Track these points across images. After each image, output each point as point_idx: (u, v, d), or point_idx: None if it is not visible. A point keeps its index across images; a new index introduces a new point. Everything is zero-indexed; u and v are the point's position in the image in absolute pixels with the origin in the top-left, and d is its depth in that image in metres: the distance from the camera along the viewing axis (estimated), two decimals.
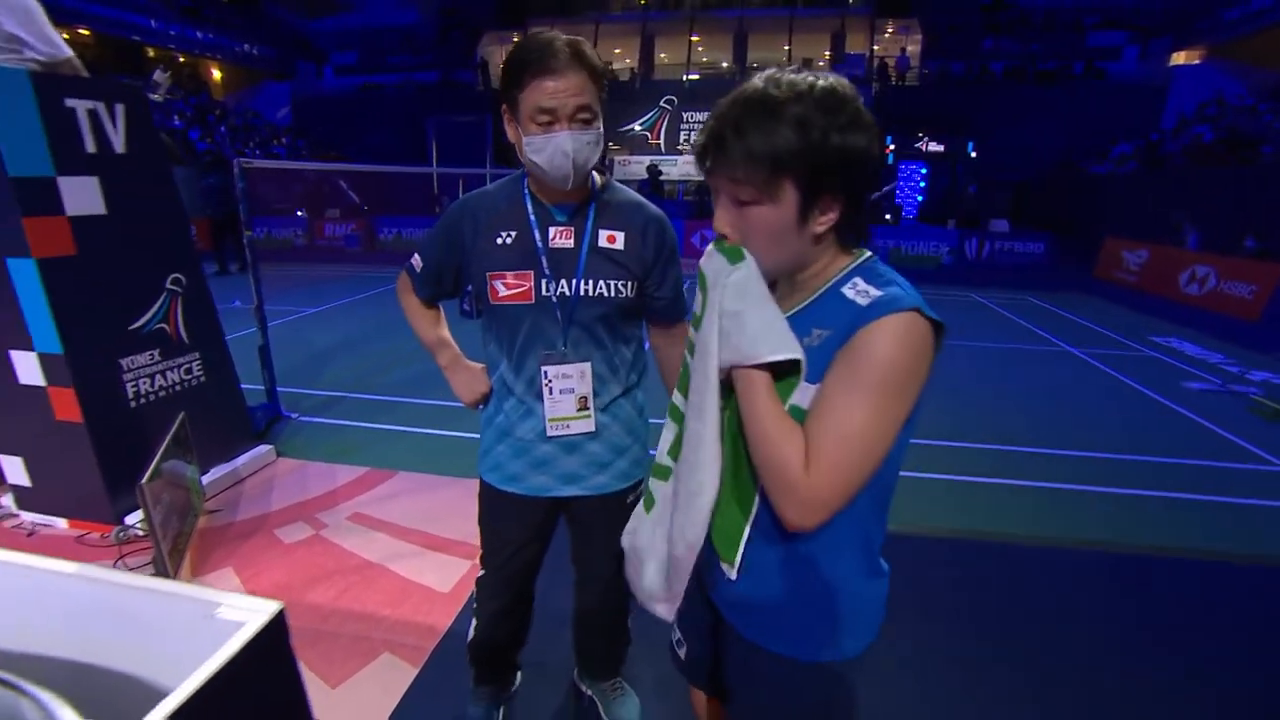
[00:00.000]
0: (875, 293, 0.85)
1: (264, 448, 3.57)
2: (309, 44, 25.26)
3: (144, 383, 2.98)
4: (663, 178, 13.96)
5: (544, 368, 1.41)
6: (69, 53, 2.57)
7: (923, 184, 16.34)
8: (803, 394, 0.86)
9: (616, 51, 23.12)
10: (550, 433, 1.44)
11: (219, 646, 0.71)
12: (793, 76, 0.85)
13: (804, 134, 0.80)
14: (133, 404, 2.92)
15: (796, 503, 0.81)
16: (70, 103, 2.52)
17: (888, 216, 14.08)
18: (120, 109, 2.70)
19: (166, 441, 2.69)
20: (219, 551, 2.76)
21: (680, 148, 20.78)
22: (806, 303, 0.92)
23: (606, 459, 1.50)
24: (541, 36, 1.24)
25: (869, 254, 0.93)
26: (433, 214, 15.40)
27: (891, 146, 17.11)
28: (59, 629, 0.84)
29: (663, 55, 22.53)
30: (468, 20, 23.03)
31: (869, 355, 0.81)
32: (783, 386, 0.87)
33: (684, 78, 21.45)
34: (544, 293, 1.37)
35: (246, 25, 23.77)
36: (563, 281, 1.37)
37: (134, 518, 2.87)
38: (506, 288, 1.38)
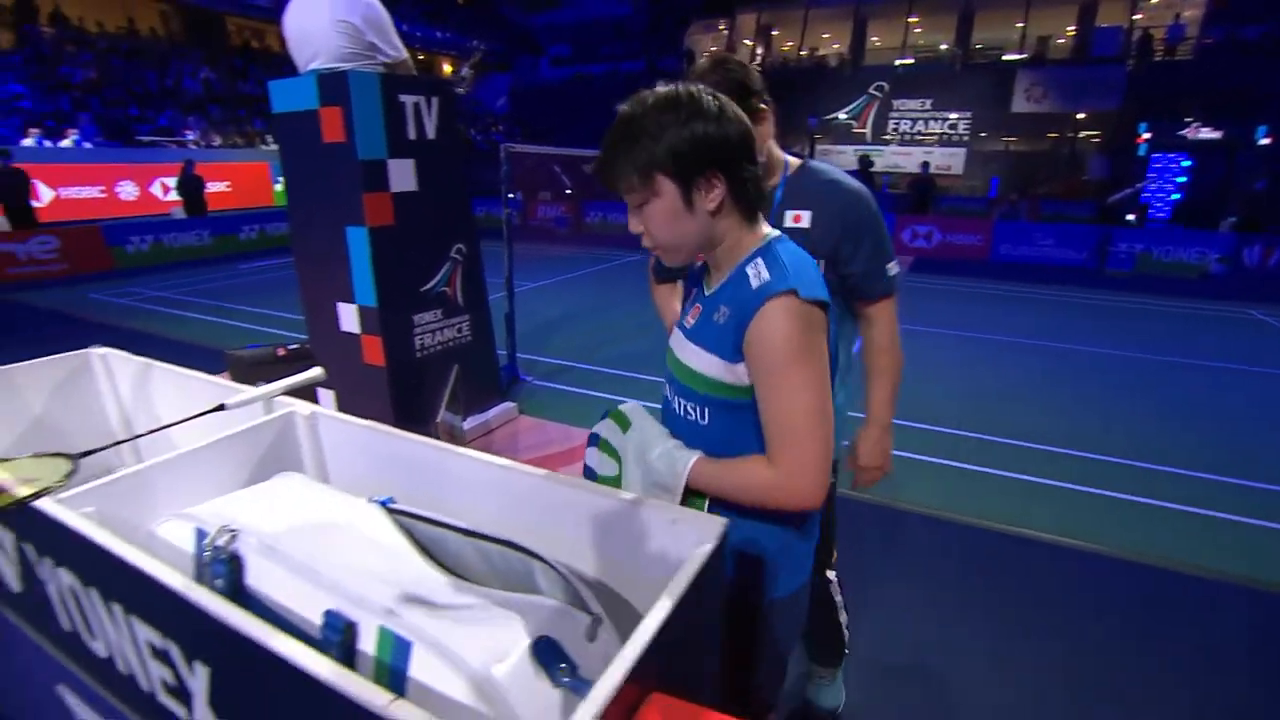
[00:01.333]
0: (766, 275, 0.97)
1: (509, 404, 4.00)
2: (529, 37, 27.32)
3: (427, 337, 3.47)
4: (873, 169, 13.32)
5: None
6: (405, 55, 3.05)
7: (1182, 179, 13.97)
8: (717, 366, 1.02)
9: (824, 36, 22.33)
10: None
11: (686, 549, 0.87)
12: (644, 93, 0.99)
13: (654, 137, 0.95)
14: (419, 355, 3.42)
15: (788, 495, 0.98)
16: (403, 98, 3.00)
17: (1130, 217, 12.30)
18: (435, 101, 3.16)
19: (448, 390, 3.12)
20: None
21: (886, 137, 19.66)
22: (723, 282, 1.05)
23: None
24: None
25: (775, 234, 1.05)
26: None
27: (1145, 136, 14.83)
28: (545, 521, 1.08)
29: (875, 39, 21.37)
30: (677, 10, 23.49)
31: (768, 345, 0.95)
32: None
33: (896, 63, 20.19)
34: None
35: (477, 23, 26.25)
36: None
37: None
38: None
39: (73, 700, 1.21)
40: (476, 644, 0.77)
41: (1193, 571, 2.74)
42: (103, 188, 11.89)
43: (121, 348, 1.81)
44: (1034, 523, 3.08)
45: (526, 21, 27.07)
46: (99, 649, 1.03)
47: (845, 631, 1.88)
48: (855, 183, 1.47)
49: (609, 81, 22.79)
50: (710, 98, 0.98)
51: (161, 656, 0.89)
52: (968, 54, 19.58)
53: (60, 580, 1.02)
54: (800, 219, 1.46)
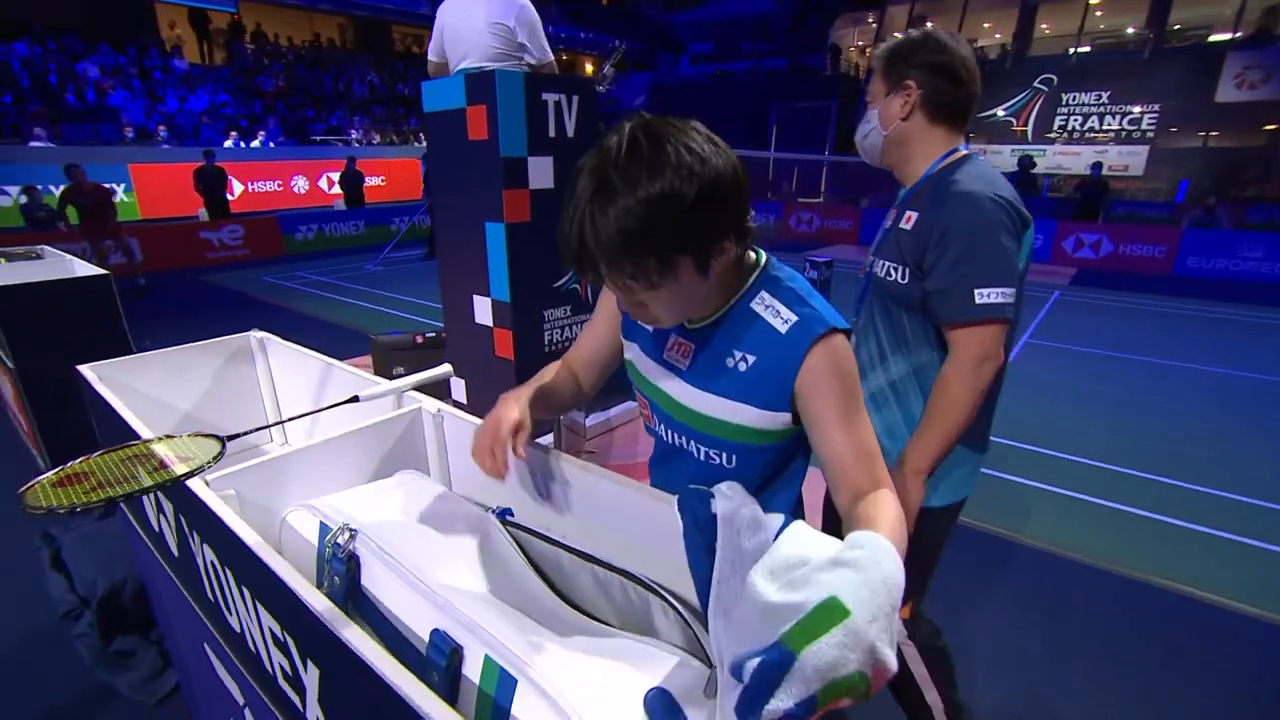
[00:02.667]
0: (789, 315, 0.90)
1: (631, 404, 3.99)
2: (670, 35, 27.52)
3: (556, 333, 3.52)
4: (1033, 170, 12.13)
5: None
6: (551, 57, 3.11)
7: None
8: (753, 417, 0.92)
9: (986, 26, 20.68)
10: None
11: None
12: (620, 148, 0.76)
13: (668, 214, 0.76)
14: (547, 350, 3.48)
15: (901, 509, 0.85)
16: (545, 96, 3.04)
17: None
18: (575, 100, 3.18)
19: None
20: None
21: (1050, 135, 17.89)
22: (716, 316, 0.94)
23: None
24: None
25: (765, 260, 0.95)
26: (765, 199, 15.73)
27: None
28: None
29: (1045, 26, 19.47)
30: (823, 4, 22.73)
31: (835, 387, 0.88)
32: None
33: (1071, 51, 18.28)
34: (868, 269, 1.50)
35: (619, 22, 26.80)
36: (873, 259, 1.46)
37: (545, 440, 3.44)
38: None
39: (214, 661, 1.28)
40: (585, 690, 0.71)
41: None
42: (280, 182, 13.33)
43: (284, 327, 1.95)
44: (1189, 576, 2.63)
45: (667, 19, 27.29)
46: (234, 624, 1.07)
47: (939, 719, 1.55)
48: (976, 188, 1.26)
49: (749, 78, 22.46)
50: (704, 140, 0.81)
51: (281, 647, 0.90)
52: (1162, 36, 17.29)
53: (205, 555, 1.07)
54: (910, 220, 1.36)
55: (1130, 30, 18.18)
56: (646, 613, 0.85)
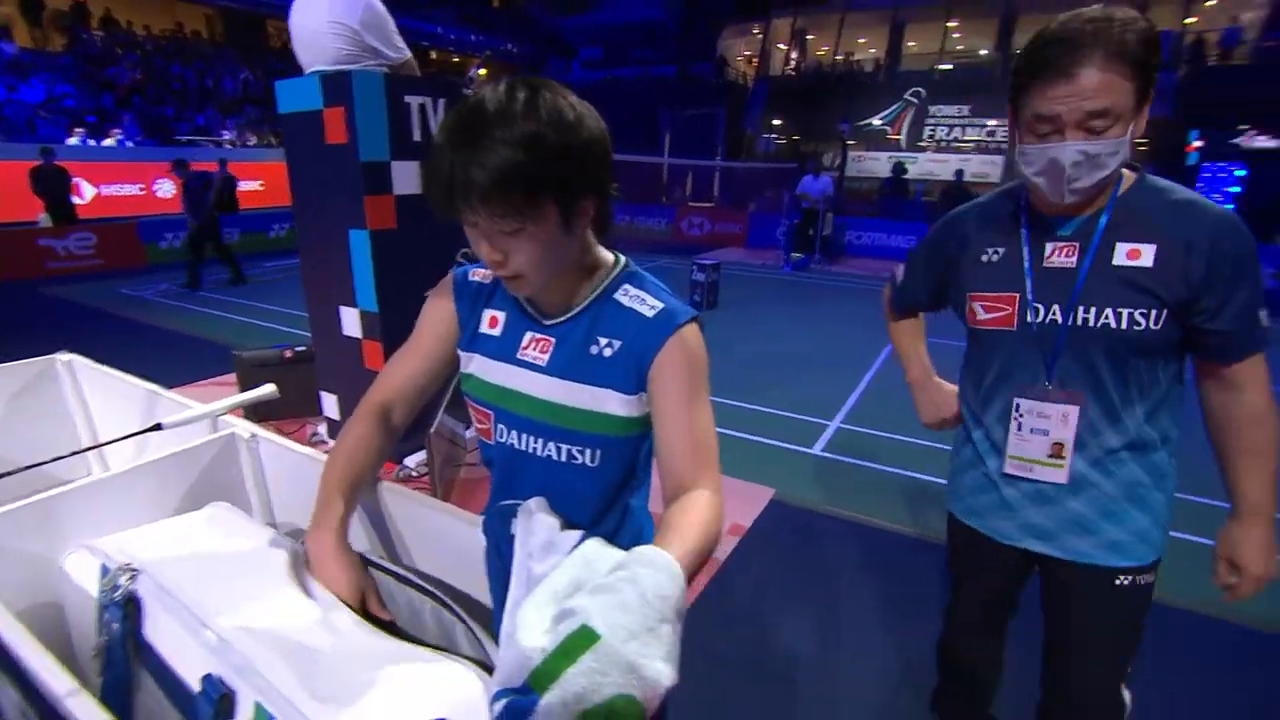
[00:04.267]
0: (654, 303, 0.92)
1: None
2: (560, 40, 27.46)
3: None
4: (905, 176, 13.03)
5: (1017, 399, 1.24)
6: (409, 54, 2.99)
7: (1235, 190, 13.36)
8: (619, 402, 0.92)
9: (860, 41, 22.02)
10: (1007, 469, 1.28)
11: None
12: (505, 94, 0.79)
13: (539, 151, 0.77)
14: None
15: (722, 509, 0.87)
16: (408, 99, 2.93)
17: None
18: (442, 103, 3.09)
19: (447, 398, 3.04)
20: (474, 501, 3.07)
21: (921, 144, 19.26)
22: (582, 307, 0.94)
23: (1090, 522, 1.23)
24: (1066, 24, 1.02)
25: (624, 259, 0.98)
26: (659, 203, 15.98)
27: (1197, 144, 14.24)
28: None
29: (912, 43, 20.98)
30: (710, 13, 23.38)
31: (686, 370, 0.90)
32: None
33: (935, 67, 19.79)
34: (1028, 319, 1.19)
35: (509, 25, 26.48)
36: (1055, 307, 1.17)
37: (413, 460, 3.30)
38: (985, 310, 1.25)
39: None
40: None
41: None
42: (141, 186, 12.17)
43: (142, 344, 1.76)
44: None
45: (558, 24, 27.21)
46: None
47: None
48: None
49: (639, 85, 22.75)
50: (577, 101, 0.84)
51: None
52: (1009, 59, 19.05)
53: None
54: (1138, 255, 1.12)
55: (984, 51, 19.94)
56: (451, 635, 0.82)
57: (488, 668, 0.78)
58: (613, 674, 0.55)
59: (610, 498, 0.99)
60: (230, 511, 1.08)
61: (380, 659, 0.77)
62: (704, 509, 0.83)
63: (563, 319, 0.95)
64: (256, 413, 3.43)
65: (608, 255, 0.97)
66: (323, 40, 2.80)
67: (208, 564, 0.93)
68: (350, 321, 3.22)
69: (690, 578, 0.70)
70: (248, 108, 16.52)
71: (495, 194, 0.77)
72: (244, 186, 11.99)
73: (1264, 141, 13.67)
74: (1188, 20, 17.20)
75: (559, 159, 0.79)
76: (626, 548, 0.75)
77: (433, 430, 2.69)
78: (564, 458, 0.95)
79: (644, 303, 0.92)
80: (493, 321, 1.00)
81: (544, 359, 0.95)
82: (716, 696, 2.04)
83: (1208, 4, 17.45)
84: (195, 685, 0.76)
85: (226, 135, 14.70)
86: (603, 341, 0.92)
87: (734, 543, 2.85)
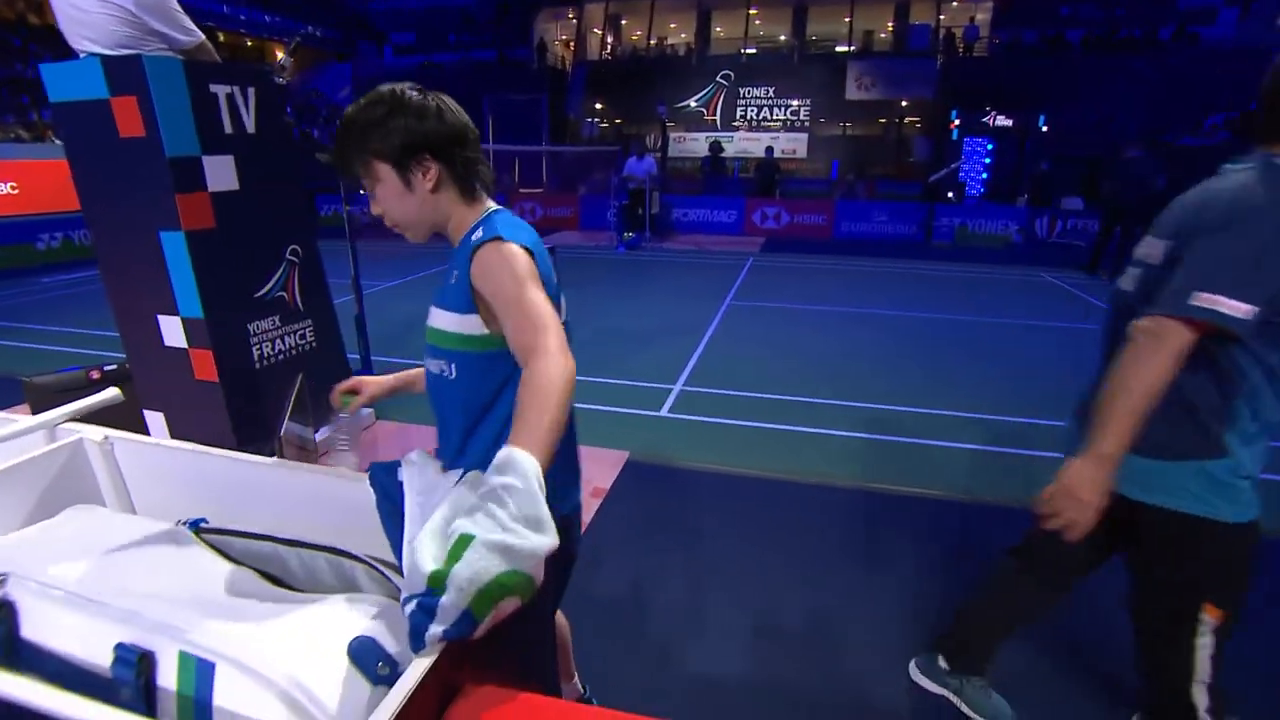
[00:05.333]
0: (478, 235, 1.11)
1: (366, 410, 3.81)
2: (369, 24, 25.76)
3: (267, 346, 3.22)
4: (722, 154, 13.89)
5: None
6: (201, 36, 2.77)
7: (988, 160, 15.77)
8: (454, 321, 1.13)
9: (672, 26, 22.87)
10: None
11: None
12: (365, 96, 1.14)
13: (363, 135, 1.11)
14: (258, 365, 3.18)
15: (561, 369, 0.95)
16: (214, 88, 2.74)
17: (950, 195, 13.70)
18: (252, 92, 2.92)
19: (292, 401, 2.93)
20: None
21: (735, 124, 20.51)
22: (454, 252, 1.18)
23: None
24: None
25: (495, 208, 1.21)
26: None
27: (956, 122, 16.56)
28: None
29: (719, 29, 22.17)
30: None
31: (492, 277, 1.06)
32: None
33: (741, 51, 21.11)
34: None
35: (310, 7, 24.39)
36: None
37: None
38: None
39: None
40: (289, 654, 0.75)
41: (1007, 503, 3.14)
42: None
43: None
44: (873, 475, 3.39)
45: (363, 7, 25.49)
46: None
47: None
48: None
49: (459, 70, 22.02)
50: (418, 95, 1.12)
51: None
52: (804, 45, 20.84)
53: None
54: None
55: (782, 38, 21.60)
56: (353, 579, 0.91)
57: (397, 598, 0.89)
58: (492, 558, 0.71)
59: (476, 413, 1.16)
60: (93, 509, 1.07)
61: (294, 602, 0.85)
62: (537, 378, 0.93)
63: (449, 264, 1.17)
64: None
65: (483, 208, 1.19)
66: (94, 21, 2.52)
67: (86, 554, 0.93)
68: (172, 331, 2.98)
69: (549, 444, 0.86)
70: None
71: (353, 158, 1.13)
72: None
73: (1002, 121, 16.19)
74: (941, 16, 19.79)
75: (378, 125, 1.09)
76: None
77: (281, 434, 2.60)
78: (436, 371, 1.19)
79: (476, 236, 1.12)
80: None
81: (436, 297, 1.20)
82: (597, 650, 2.23)
83: (954, 3, 20.20)
84: (105, 660, 0.78)
85: None
86: (454, 273, 1.14)
87: (596, 504, 3.04)
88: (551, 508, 1.03)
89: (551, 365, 0.95)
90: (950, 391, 4.56)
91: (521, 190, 15.65)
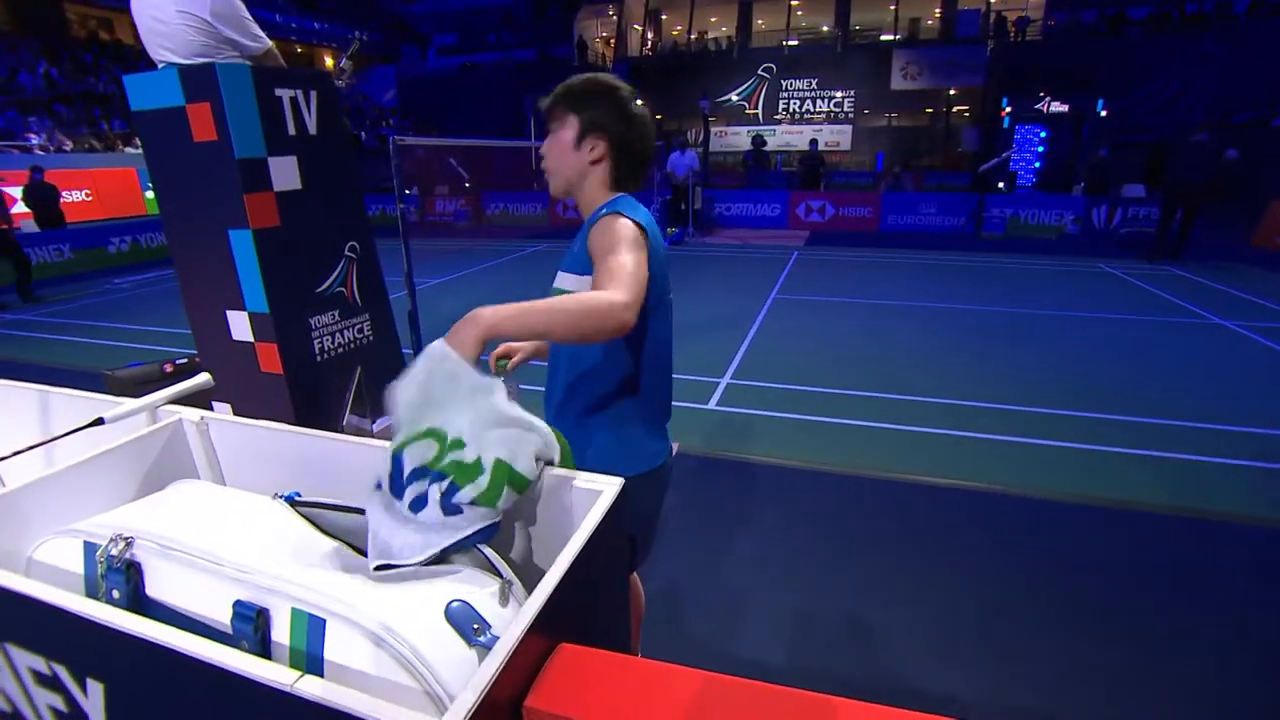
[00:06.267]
0: (602, 212, 1.29)
1: None
2: (412, 27, 26.29)
3: (327, 340, 3.35)
4: (765, 148, 13.78)
5: None
6: (269, 43, 2.90)
7: (1041, 149, 15.26)
8: (573, 282, 1.32)
9: (713, 19, 22.74)
10: None
11: (583, 512, 0.92)
12: (600, 75, 1.37)
13: (579, 95, 1.34)
14: (319, 358, 3.30)
15: (610, 305, 1.05)
16: (279, 91, 2.86)
17: (1001, 185, 13.32)
18: (314, 95, 3.03)
19: (351, 393, 3.04)
20: None
21: (778, 117, 20.30)
22: (580, 228, 1.36)
23: None
24: None
25: (621, 194, 1.38)
26: (531, 189, 15.89)
27: (1007, 110, 16.06)
28: None
29: (761, 22, 21.96)
30: None
31: (599, 242, 1.22)
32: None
33: (783, 43, 20.87)
34: None
35: (355, 13, 25.02)
36: None
37: None
38: None
39: None
40: (394, 614, 0.80)
41: (1057, 497, 3.06)
42: None
43: None
44: (919, 468, 3.34)
45: (406, 10, 26.03)
46: None
47: None
48: None
49: (500, 70, 22.31)
50: (633, 102, 1.35)
51: (48, 682, 0.86)
52: (848, 35, 20.48)
53: None
54: None
55: (825, 28, 21.26)
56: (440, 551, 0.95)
57: (485, 567, 0.93)
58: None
59: (582, 368, 1.36)
60: (199, 483, 1.15)
61: (388, 571, 0.90)
62: (576, 296, 1.08)
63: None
64: None
65: (614, 195, 1.38)
66: (174, 32, 2.67)
67: (198, 520, 1.00)
68: (239, 325, 3.12)
69: (512, 319, 1.00)
70: (56, 107, 14.67)
71: (548, 106, 1.37)
72: (69, 197, 10.72)
73: (1057, 107, 15.63)
74: (992, 1, 19.20)
75: (587, 96, 1.34)
76: (593, 435, 1.38)
77: (342, 425, 2.71)
78: None
79: (598, 213, 1.30)
80: None
81: (561, 262, 1.40)
82: (644, 638, 2.26)
83: None
84: (223, 618, 0.85)
85: (35, 140, 13.00)
86: (577, 241, 1.34)
87: None
88: (626, 463, 1.38)
89: (596, 295, 1.07)
90: (1003, 385, 4.46)
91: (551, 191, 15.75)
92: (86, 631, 0.76)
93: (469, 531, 0.89)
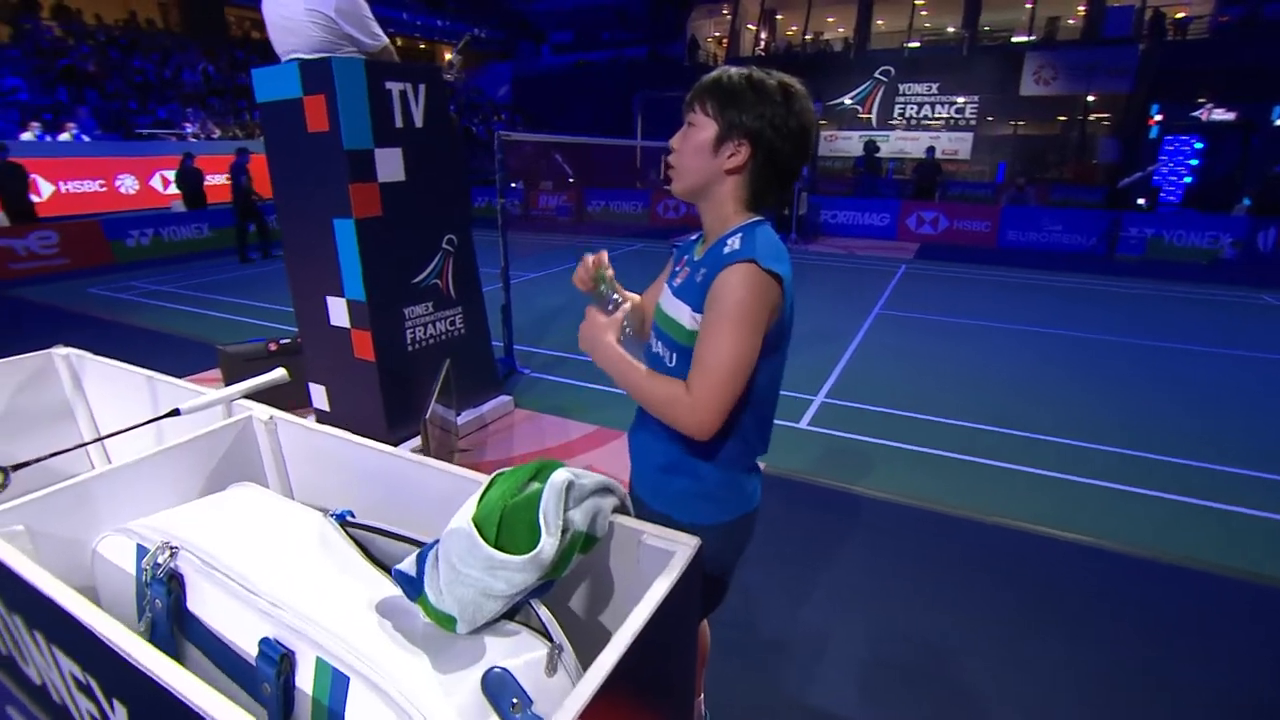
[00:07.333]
0: (736, 247, 1.12)
1: (505, 398, 3.94)
2: (530, 24, 27.05)
3: (419, 330, 3.40)
4: (878, 154, 13.16)
5: None
6: (386, 40, 2.96)
7: (1194, 162, 13.71)
8: (689, 317, 1.17)
9: (830, 20, 22.04)
10: None
11: (653, 572, 0.79)
12: (758, 69, 1.16)
13: (725, 90, 1.13)
14: (410, 349, 3.36)
15: (686, 413, 1.10)
16: (389, 85, 2.91)
17: (1141, 201, 12.08)
18: (422, 88, 3.07)
19: (439, 384, 3.05)
20: None
21: (892, 122, 19.39)
22: (707, 250, 1.20)
23: None
24: None
25: (759, 218, 1.19)
26: (634, 187, 15.94)
27: (1157, 118, 14.56)
28: None
29: (881, 22, 21.05)
30: None
31: (721, 299, 1.09)
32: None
33: (904, 45, 19.90)
34: None
35: (477, 10, 26.01)
36: None
37: (405, 448, 3.30)
38: None
39: None
40: (422, 678, 0.70)
41: (1200, 567, 2.65)
42: (103, 181, 11.84)
43: (117, 344, 1.75)
44: (1031, 514, 3.00)
45: (526, 8, 26.80)
46: (33, 676, 0.97)
47: None
48: None
49: (612, 68, 22.54)
50: (789, 110, 1.12)
51: (85, 690, 0.82)
52: (975, 36, 19.24)
53: None
54: None
55: (950, 29, 20.08)
56: None
57: (533, 628, 0.82)
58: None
59: None
60: (256, 489, 1.11)
61: (430, 624, 0.81)
62: (667, 381, 1.14)
63: (698, 257, 1.22)
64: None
65: (751, 216, 1.19)
66: (299, 28, 2.77)
67: (243, 537, 0.96)
68: (338, 312, 3.21)
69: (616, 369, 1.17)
70: (211, 99, 16.09)
71: (691, 94, 1.17)
72: (212, 180, 11.71)
73: (1221, 115, 14.01)
74: None
75: (736, 93, 1.12)
76: (687, 469, 1.25)
77: (426, 417, 2.71)
78: (658, 353, 1.26)
79: (734, 247, 1.13)
80: (679, 261, 1.32)
81: (677, 281, 1.25)
82: (711, 665, 2.11)
83: None
84: (250, 651, 0.79)
85: (190, 128, 14.31)
86: (703, 271, 1.16)
87: None
88: (720, 506, 1.29)
89: (680, 403, 1.10)
90: (1135, 429, 3.97)
91: (666, 188, 15.77)
92: (110, 655, 0.71)
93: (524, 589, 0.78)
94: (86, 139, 12.30)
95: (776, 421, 4.16)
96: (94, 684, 0.80)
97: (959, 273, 9.13)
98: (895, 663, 2.16)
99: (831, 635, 2.28)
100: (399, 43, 23.94)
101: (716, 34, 23.77)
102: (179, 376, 1.50)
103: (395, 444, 3.28)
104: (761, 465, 1.38)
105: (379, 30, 2.92)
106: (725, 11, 22.86)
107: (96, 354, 1.74)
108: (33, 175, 9.78)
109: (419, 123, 3.12)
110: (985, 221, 11.46)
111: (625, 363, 1.17)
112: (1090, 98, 17.69)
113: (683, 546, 0.81)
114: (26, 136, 11.22)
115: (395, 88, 2.96)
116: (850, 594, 2.49)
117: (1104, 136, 17.66)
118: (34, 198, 9.72)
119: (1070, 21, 18.77)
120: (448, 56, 26.26)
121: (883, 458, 3.57)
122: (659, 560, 0.82)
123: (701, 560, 0.84)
